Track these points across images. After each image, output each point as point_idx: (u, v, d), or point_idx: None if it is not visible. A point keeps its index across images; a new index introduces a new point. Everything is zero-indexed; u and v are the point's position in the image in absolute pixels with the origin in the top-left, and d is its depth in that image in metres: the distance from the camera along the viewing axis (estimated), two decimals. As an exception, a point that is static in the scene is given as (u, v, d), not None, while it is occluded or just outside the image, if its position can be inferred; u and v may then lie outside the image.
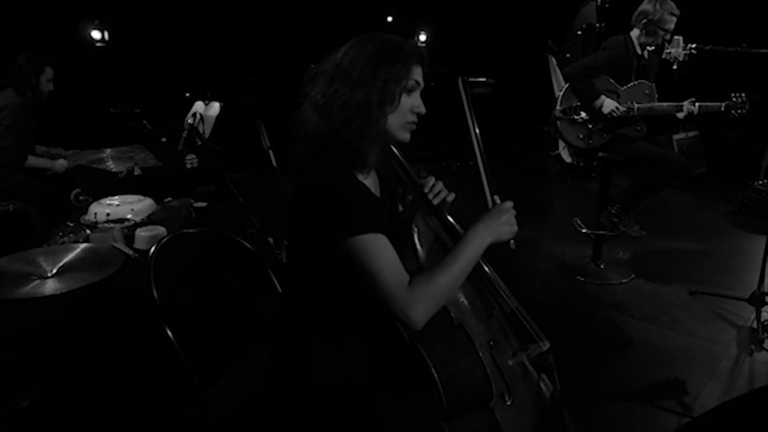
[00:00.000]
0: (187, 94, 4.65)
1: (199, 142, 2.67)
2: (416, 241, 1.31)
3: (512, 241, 1.35)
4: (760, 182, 4.98)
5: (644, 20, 3.21)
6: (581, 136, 3.34)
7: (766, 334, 2.74)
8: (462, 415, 1.28)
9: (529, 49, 6.88)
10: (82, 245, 2.30)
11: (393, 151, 1.44)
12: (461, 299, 1.34)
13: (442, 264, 1.24)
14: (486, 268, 1.42)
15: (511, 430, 1.27)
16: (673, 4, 3.17)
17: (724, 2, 5.78)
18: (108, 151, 4.06)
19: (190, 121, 2.81)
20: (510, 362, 1.35)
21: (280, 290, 1.81)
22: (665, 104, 3.17)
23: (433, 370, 1.26)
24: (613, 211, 3.39)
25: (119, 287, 2.18)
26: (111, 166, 3.55)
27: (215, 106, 4.50)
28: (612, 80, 3.22)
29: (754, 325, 2.82)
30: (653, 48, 3.25)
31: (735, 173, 5.62)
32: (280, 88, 6.58)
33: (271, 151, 5.96)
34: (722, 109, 3.08)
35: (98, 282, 2.06)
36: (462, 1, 8.41)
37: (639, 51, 3.24)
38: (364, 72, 1.29)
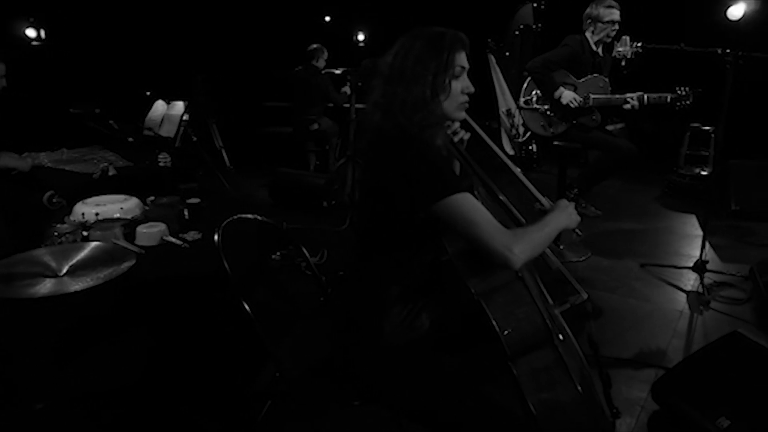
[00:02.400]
0: (148, 93, 4.59)
1: (195, 138, 2.70)
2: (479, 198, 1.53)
3: (577, 230, 1.61)
4: (682, 169, 5.56)
5: (589, 20, 3.58)
6: (542, 124, 3.64)
7: (710, 296, 3.15)
8: (527, 355, 1.47)
9: (469, 47, 7.21)
10: (92, 244, 2.28)
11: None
12: None
13: (533, 228, 1.45)
14: None
15: (570, 361, 1.47)
16: (608, 1, 3.55)
17: (664, 3, 6.31)
18: (66, 151, 3.95)
19: (185, 118, 2.82)
20: (557, 311, 1.56)
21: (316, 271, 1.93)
22: (616, 96, 3.53)
23: (494, 321, 1.44)
24: (571, 195, 3.72)
25: (135, 282, 2.21)
26: (81, 167, 3.47)
27: (179, 105, 4.47)
28: (570, 75, 3.55)
29: (700, 290, 3.21)
30: (609, 41, 3.60)
31: (655, 160, 6.20)
32: (230, 87, 6.57)
33: (223, 150, 5.95)
34: (668, 100, 3.47)
35: (118, 277, 2.09)
36: (400, 1, 8.63)
37: (594, 48, 3.59)
38: (416, 70, 1.47)
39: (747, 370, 2.02)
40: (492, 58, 6.70)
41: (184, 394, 2.17)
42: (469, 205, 1.38)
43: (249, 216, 1.86)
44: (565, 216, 1.54)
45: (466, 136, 1.71)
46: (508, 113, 6.61)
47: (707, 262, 3.32)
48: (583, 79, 3.55)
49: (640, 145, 6.60)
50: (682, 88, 3.38)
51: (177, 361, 2.23)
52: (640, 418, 2.18)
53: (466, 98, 1.56)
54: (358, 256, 1.65)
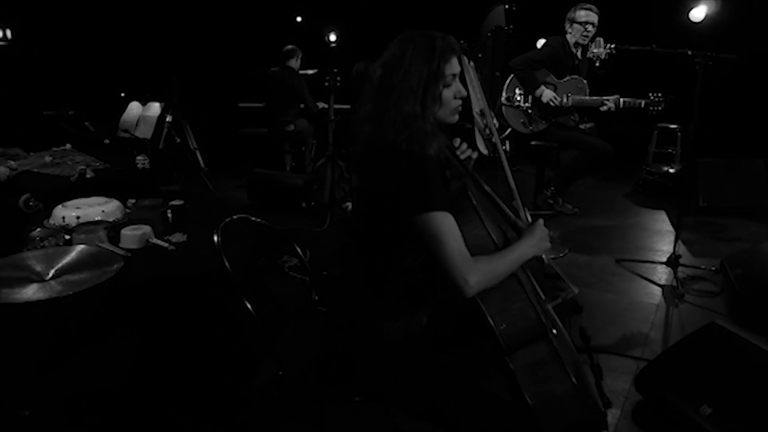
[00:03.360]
0: (122, 94, 4.50)
1: (178, 140, 2.67)
2: (475, 205, 1.56)
3: (544, 257, 1.63)
4: (652, 166, 5.73)
5: (567, 23, 3.68)
6: (523, 121, 3.72)
7: (684, 290, 3.26)
8: (522, 349, 1.51)
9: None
10: (78, 247, 2.24)
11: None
12: None
13: (497, 255, 1.49)
14: None
15: (564, 354, 1.52)
16: (589, 5, 3.66)
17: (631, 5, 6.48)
18: (46, 154, 3.84)
19: (169, 119, 2.79)
20: (549, 305, 1.61)
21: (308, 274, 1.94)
22: (593, 98, 3.63)
23: (489, 318, 1.48)
24: (548, 193, 3.81)
25: (122, 284, 2.18)
26: (57, 169, 3.39)
27: (155, 106, 4.40)
28: (551, 74, 3.64)
29: (674, 284, 3.33)
30: (584, 42, 3.70)
31: (625, 159, 6.38)
32: (204, 88, 6.49)
33: (198, 152, 5.86)
34: (642, 105, 3.59)
35: (107, 281, 2.06)
36: (372, 1, 8.67)
37: (573, 50, 3.69)
38: (405, 85, 1.47)
39: (726, 360, 2.11)
40: (464, 59, 6.76)
41: (173, 396, 2.16)
42: (444, 226, 1.40)
43: (252, 218, 1.85)
44: (533, 244, 1.56)
45: (474, 155, 1.72)
46: (481, 113, 6.69)
47: (680, 256, 3.45)
48: (563, 80, 3.65)
49: (609, 143, 6.76)
50: (655, 94, 3.50)
51: (165, 363, 2.21)
52: (624, 408, 2.26)
53: (459, 102, 1.57)
54: (353, 256, 1.67)
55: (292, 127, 5.80)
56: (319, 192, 4.77)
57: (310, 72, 6.23)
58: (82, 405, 2.11)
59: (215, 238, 1.63)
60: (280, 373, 1.57)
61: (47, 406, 2.04)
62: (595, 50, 3.58)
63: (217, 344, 2.17)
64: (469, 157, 1.73)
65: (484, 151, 7.28)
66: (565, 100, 3.61)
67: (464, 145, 1.73)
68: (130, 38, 6.14)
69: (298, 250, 1.92)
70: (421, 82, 1.47)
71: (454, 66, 1.53)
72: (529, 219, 1.71)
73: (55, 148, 3.95)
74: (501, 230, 1.65)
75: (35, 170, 3.40)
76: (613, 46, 3.52)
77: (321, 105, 6.14)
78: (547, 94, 3.57)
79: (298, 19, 9.22)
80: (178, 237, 2.59)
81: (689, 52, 3.16)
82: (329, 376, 1.62)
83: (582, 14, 3.64)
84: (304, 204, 4.71)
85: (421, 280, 1.59)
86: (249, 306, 1.49)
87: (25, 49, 5.64)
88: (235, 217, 1.78)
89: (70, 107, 3.75)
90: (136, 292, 2.17)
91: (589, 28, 3.63)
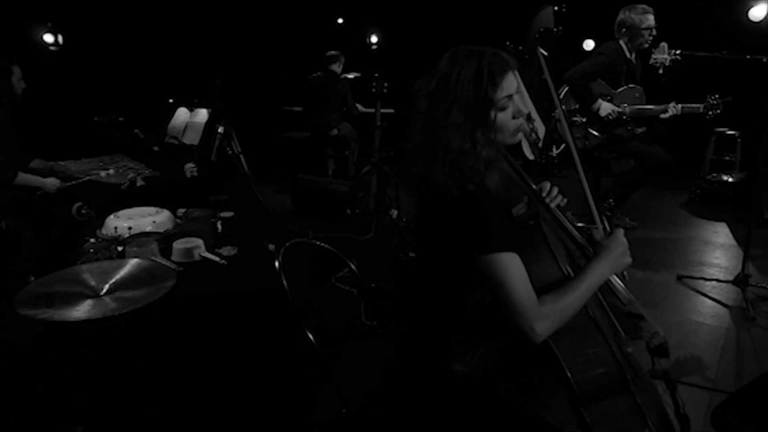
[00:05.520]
0: (170, 100, 4.53)
1: (230, 151, 2.63)
2: (548, 241, 1.41)
3: (625, 273, 1.49)
4: (710, 175, 5.46)
5: (623, 29, 3.50)
6: (579, 136, 3.57)
7: (755, 312, 3.06)
8: (600, 402, 1.38)
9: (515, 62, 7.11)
10: (131, 261, 2.21)
11: (505, 155, 1.52)
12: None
13: (567, 289, 1.33)
14: None
15: (649, 410, 1.39)
16: (643, 5, 3.47)
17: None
18: (97, 160, 3.89)
19: (220, 130, 2.75)
20: (630, 349, 1.48)
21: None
22: (652, 107, 3.45)
23: (562, 361, 1.37)
24: (605, 205, 3.64)
25: (174, 301, 2.14)
26: (108, 177, 3.40)
27: (202, 113, 4.41)
28: (606, 85, 3.47)
29: (743, 305, 3.13)
30: (646, 47, 3.52)
31: (677, 165, 6.11)
32: (247, 92, 6.52)
33: (242, 156, 5.87)
34: (701, 110, 3.39)
35: (159, 298, 2.02)
36: (414, 2, 8.55)
37: (628, 55, 3.51)
38: (450, 121, 1.32)
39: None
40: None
41: (225, 420, 2.11)
42: (509, 268, 1.28)
43: (317, 242, 1.79)
44: (610, 263, 1.40)
45: (563, 202, 1.57)
46: (528, 117, 6.53)
47: (750, 276, 3.24)
48: (619, 90, 3.47)
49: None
50: (713, 97, 3.30)
51: (216, 384, 2.17)
52: (699, 445, 2.11)
53: (520, 121, 1.40)
54: (417, 285, 1.57)
55: (335, 132, 5.77)
56: (364, 199, 4.70)
57: (352, 76, 6.18)
58: (130, 425, 2.09)
59: (276, 264, 1.57)
60: (344, 411, 1.49)
61: (97, 425, 2.02)
62: (658, 56, 3.39)
63: (268, 368, 2.11)
64: (559, 205, 1.55)
65: (531, 157, 7.11)
66: (622, 111, 3.43)
67: (554, 190, 1.55)
68: (177, 44, 6.20)
69: (355, 268, 1.84)
70: (469, 115, 1.32)
71: (507, 87, 1.35)
72: (607, 228, 1.54)
73: (105, 156, 4.00)
74: (573, 257, 1.51)
75: (87, 178, 3.43)
76: (678, 52, 3.34)
77: (361, 108, 6.10)
78: (605, 108, 3.40)
79: (340, 20, 9.19)
80: (228, 250, 2.56)
81: (764, 59, 2.96)
82: (390, 409, 1.54)
83: (643, 19, 3.44)
84: (348, 211, 4.65)
85: (487, 319, 1.48)
86: (311, 336, 1.41)
87: (77, 55, 5.74)
88: (297, 240, 1.71)
89: (119, 114, 3.78)
90: (188, 309, 2.13)
91: (653, 32, 3.45)
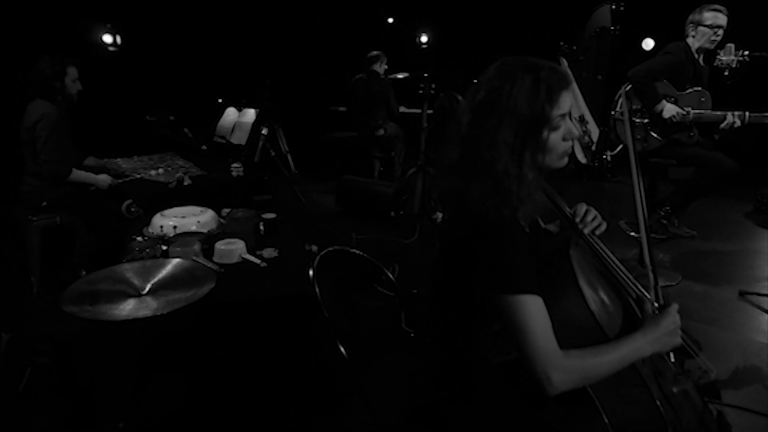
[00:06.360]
0: (220, 100, 4.60)
1: (273, 153, 2.62)
2: (576, 274, 1.28)
3: (672, 354, 1.34)
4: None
5: (691, 27, 3.31)
6: (638, 137, 3.40)
7: (826, 334, 2.83)
8: None
9: (540, 50, 6.93)
10: (173, 261, 2.24)
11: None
12: None
13: (598, 350, 1.21)
14: None
15: None
16: (716, 5, 3.26)
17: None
18: (148, 158, 3.97)
19: (264, 132, 2.76)
20: (675, 389, 1.36)
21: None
22: (716, 113, 3.24)
23: (596, 401, 1.25)
24: (662, 213, 3.46)
25: (214, 302, 2.15)
26: (157, 175, 3.47)
27: (250, 113, 4.47)
28: (672, 86, 3.29)
29: (814, 326, 2.91)
30: (711, 47, 3.31)
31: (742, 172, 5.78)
32: (295, 91, 6.57)
33: (289, 155, 5.92)
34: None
35: (199, 300, 2.03)
36: (465, 1, 8.42)
37: (696, 56, 3.32)
38: (499, 137, 1.21)
39: None
40: (564, 62, 6.42)
41: (256, 422, 2.10)
42: (528, 312, 1.16)
43: (350, 249, 1.75)
44: (655, 338, 1.25)
45: (603, 226, 1.44)
46: (581, 119, 6.32)
47: (821, 294, 3.01)
48: (685, 92, 3.28)
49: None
50: None
51: (253, 386, 2.16)
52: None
53: (569, 144, 1.29)
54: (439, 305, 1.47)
55: (382, 132, 5.73)
56: (409, 202, 4.65)
57: (401, 76, 6.14)
58: (170, 423, 2.11)
59: (310, 273, 1.53)
60: (374, 425, 1.44)
61: (139, 422, 2.05)
62: (724, 58, 3.19)
63: (301, 375, 2.08)
64: (594, 231, 1.42)
65: (583, 160, 6.89)
66: (686, 114, 3.24)
67: (590, 215, 1.42)
68: (227, 44, 6.31)
69: (391, 275, 1.79)
70: (520, 133, 1.20)
71: (563, 104, 1.24)
72: (660, 297, 1.37)
73: (156, 154, 4.09)
74: (612, 307, 1.33)
75: (138, 176, 3.51)
76: (746, 53, 3.13)
77: (402, 109, 6.06)
78: (669, 109, 3.22)
79: (390, 20, 9.16)
80: (269, 252, 2.56)
81: None
82: (430, 422, 1.47)
83: (709, 16, 3.24)
84: (393, 213, 4.60)
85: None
86: (342, 350, 1.37)
87: (133, 56, 5.92)
88: (332, 249, 1.67)
89: (170, 113, 3.86)
90: (225, 311, 2.13)
91: (719, 32, 3.24)
